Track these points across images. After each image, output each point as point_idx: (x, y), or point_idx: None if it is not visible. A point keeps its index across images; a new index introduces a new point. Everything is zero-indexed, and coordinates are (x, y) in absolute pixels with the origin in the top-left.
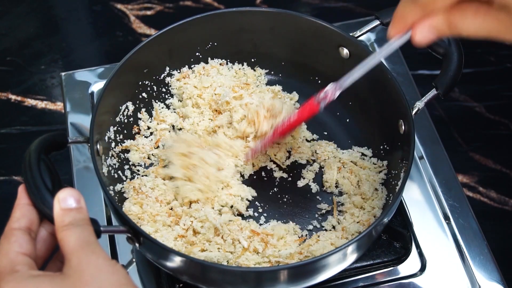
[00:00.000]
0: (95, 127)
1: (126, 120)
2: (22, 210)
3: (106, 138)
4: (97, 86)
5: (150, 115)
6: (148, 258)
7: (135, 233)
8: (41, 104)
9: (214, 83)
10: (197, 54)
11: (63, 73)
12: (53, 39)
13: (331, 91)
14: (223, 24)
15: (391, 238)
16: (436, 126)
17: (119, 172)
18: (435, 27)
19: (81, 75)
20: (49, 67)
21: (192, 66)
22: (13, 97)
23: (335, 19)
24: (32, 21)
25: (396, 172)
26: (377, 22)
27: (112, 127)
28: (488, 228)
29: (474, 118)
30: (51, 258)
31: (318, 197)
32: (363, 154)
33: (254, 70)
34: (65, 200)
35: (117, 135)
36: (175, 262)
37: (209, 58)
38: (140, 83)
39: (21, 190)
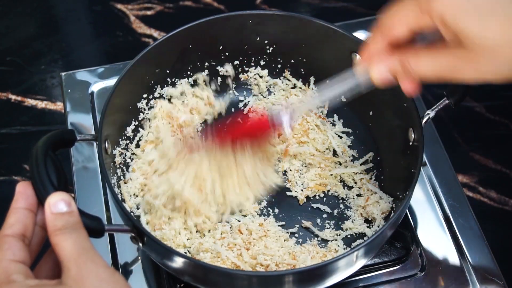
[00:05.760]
0: (104, 125)
1: (135, 121)
2: (17, 215)
3: (115, 136)
4: (97, 86)
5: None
6: (152, 258)
7: (139, 233)
8: (41, 104)
9: None
10: (207, 56)
11: (63, 73)
12: (53, 39)
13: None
14: (236, 27)
15: (392, 238)
16: (436, 126)
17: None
18: (390, 67)
19: (81, 75)
20: (49, 67)
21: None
22: (13, 97)
23: (335, 19)
24: (32, 21)
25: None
26: None
27: (121, 125)
28: (488, 228)
29: (474, 118)
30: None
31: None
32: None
33: (261, 78)
34: (56, 205)
35: (123, 136)
36: (178, 263)
37: (218, 65)
38: (151, 82)
39: (18, 191)
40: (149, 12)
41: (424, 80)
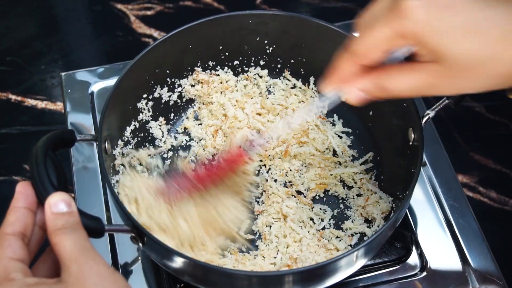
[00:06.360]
0: (104, 126)
1: (135, 121)
2: (17, 214)
3: (115, 137)
4: (97, 86)
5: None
6: (152, 258)
7: (139, 233)
8: (41, 104)
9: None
10: (207, 56)
11: (63, 73)
12: (53, 39)
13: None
14: (236, 27)
15: (392, 238)
16: (436, 126)
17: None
18: (365, 89)
19: (81, 75)
20: (49, 67)
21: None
22: (13, 97)
23: (335, 19)
24: (32, 21)
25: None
26: None
27: (121, 126)
28: (488, 228)
29: (474, 118)
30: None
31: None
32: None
33: (261, 78)
34: (56, 205)
35: (123, 136)
36: (178, 263)
37: (218, 65)
38: (151, 82)
39: (19, 190)
40: (149, 12)
41: (400, 97)
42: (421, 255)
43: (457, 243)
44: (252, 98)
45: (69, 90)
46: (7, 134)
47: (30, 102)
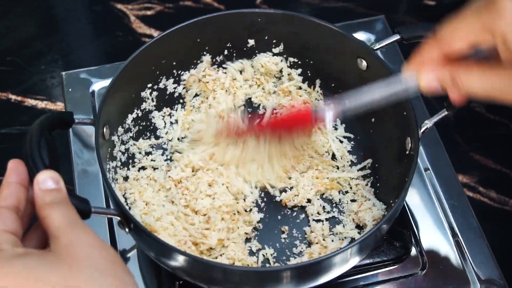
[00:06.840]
0: (103, 110)
1: (138, 110)
2: (10, 189)
3: (115, 123)
4: (97, 85)
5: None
6: (140, 246)
7: (125, 218)
8: (41, 104)
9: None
10: (215, 52)
11: (63, 73)
12: (53, 39)
13: (328, 114)
14: (247, 23)
15: (391, 238)
16: (436, 126)
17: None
18: (440, 78)
19: (82, 74)
20: (49, 67)
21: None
22: (13, 97)
23: (335, 19)
24: (32, 21)
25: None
26: (397, 37)
27: (122, 113)
28: (488, 228)
29: (474, 118)
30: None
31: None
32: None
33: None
34: (45, 182)
35: (124, 123)
36: (164, 252)
37: (225, 62)
38: (157, 73)
39: (10, 167)
40: (149, 12)
41: (472, 97)
42: (421, 254)
43: (458, 243)
44: (256, 98)
45: (70, 90)
46: (7, 134)
47: (30, 102)
